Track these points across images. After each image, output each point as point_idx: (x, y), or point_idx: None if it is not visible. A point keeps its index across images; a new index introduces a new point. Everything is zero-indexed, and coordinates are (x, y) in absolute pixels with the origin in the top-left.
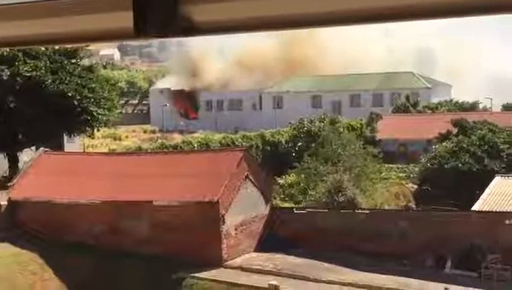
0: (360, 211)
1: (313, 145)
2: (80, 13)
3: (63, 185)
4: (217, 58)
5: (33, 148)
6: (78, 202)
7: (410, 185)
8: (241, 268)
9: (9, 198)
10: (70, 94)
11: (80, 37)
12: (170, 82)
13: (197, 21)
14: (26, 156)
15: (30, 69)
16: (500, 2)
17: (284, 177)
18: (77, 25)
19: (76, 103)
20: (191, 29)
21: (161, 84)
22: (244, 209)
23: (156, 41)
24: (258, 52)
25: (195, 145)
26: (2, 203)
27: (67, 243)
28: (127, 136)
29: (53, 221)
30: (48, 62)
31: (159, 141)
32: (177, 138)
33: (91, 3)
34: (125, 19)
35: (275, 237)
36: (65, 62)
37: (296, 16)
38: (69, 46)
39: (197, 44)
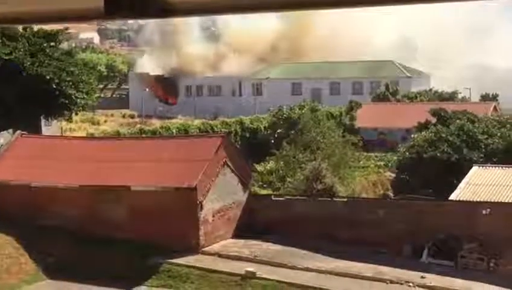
0: (338, 199)
1: (292, 132)
2: None
3: (40, 168)
4: (202, 41)
5: (10, 131)
6: (55, 185)
7: (389, 173)
8: (218, 254)
9: None
10: (48, 77)
11: (50, 16)
12: (150, 67)
13: (172, 2)
14: (2, 139)
15: (8, 52)
16: None
17: (262, 164)
18: (48, 4)
19: (54, 86)
20: (166, 10)
21: (141, 68)
22: (222, 195)
23: (135, 25)
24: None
25: (174, 130)
26: None
27: (44, 227)
28: (105, 121)
29: (30, 204)
30: (26, 44)
31: (138, 126)
32: (156, 123)
33: None
34: None
35: (252, 223)
36: (44, 45)
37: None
38: (38, 25)
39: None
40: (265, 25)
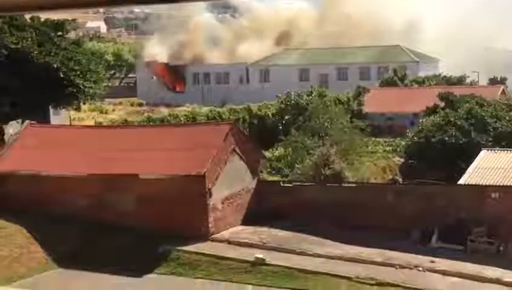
0: (346, 184)
1: (300, 118)
2: None
3: (49, 158)
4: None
5: (19, 120)
6: (64, 174)
7: (397, 158)
8: (228, 241)
9: None
10: (56, 66)
11: (52, 3)
12: (157, 55)
13: None
14: (11, 128)
15: (16, 41)
16: None
17: (271, 150)
18: None
19: (62, 75)
20: None
21: (148, 56)
22: (231, 182)
23: (142, 13)
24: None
25: (182, 118)
26: None
27: (54, 216)
28: (113, 110)
29: (39, 194)
30: (34, 34)
31: (146, 114)
32: (164, 111)
33: None
34: None
35: (261, 210)
36: (51, 34)
37: None
38: (42, 14)
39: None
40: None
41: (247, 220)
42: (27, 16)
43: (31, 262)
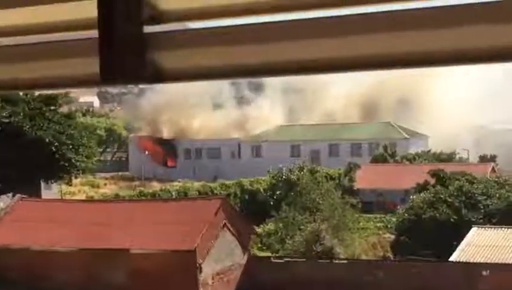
0: (338, 260)
1: (292, 194)
2: (45, 59)
3: (40, 232)
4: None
5: (10, 194)
6: (55, 249)
7: (388, 235)
8: None
9: None
10: (48, 140)
11: (45, 83)
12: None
13: (166, 68)
14: (2, 202)
15: (8, 115)
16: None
17: (262, 226)
18: (42, 70)
19: (54, 149)
20: (160, 76)
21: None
22: (222, 258)
23: (136, 88)
24: None
25: (174, 193)
26: None
27: None
28: (105, 184)
29: (31, 268)
30: (26, 108)
31: (138, 188)
32: (156, 186)
33: (56, 49)
34: (92, 65)
35: (252, 285)
36: (44, 109)
37: (268, 64)
38: (34, 92)
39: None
40: None
41: None
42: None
43: None
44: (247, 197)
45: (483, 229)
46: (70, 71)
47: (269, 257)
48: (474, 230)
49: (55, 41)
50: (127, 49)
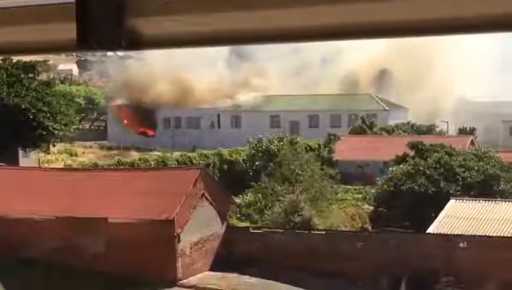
0: (316, 231)
1: (271, 164)
2: (23, 23)
3: (17, 200)
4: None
5: None
6: (32, 217)
7: (366, 206)
8: (196, 287)
9: None
10: (24, 107)
11: (20, 48)
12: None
13: (143, 34)
14: None
15: None
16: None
17: (241, 196)
18: (18, 35)
19: (31, 116)
20: (137, 42)
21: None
22: (200, 228)
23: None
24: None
25: (152, 162)
26: None
27: (20, 259)
28: (83, 152)
29: (6, 236)
30: (4, 75)
31: (116, 157)
32: (135, 156)
33: (34, 13)
34: (69, 31)
35: (230, 256)
36: (22, 76)
37: (245, 31)
38: (10, 56)
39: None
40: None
41: (215, 266)
42: None
43: None
44: (226, 167)
45: (461, 201)
46: (47, 36)
47: (248, 228)
48: (452, 202)
49: (33, 5)
50: (104, 15)
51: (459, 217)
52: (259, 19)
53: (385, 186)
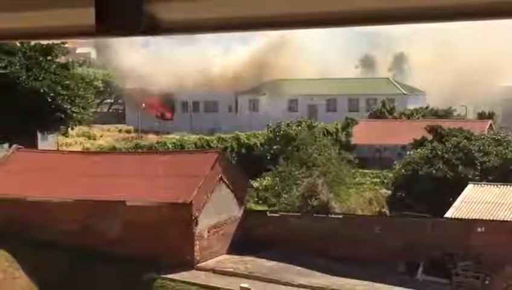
0: (333, 215)
1: (289, 148)
2: (40, 8)
3: (35, 182)
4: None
5: (6, 145)
6: (50, 200)
7: (384, 190)
8: (213, 270)
9: None
10: (43, 91)
11: (39, 33)
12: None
13: (162, 19)
14: None
15: (4, 65)
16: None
17: (258, 180)
18: (37, 20)
19: (50, 100)
20: (156, 28)
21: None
22: (218, 211)
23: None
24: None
25: (170, 146)
26: None
27: (38, 242)
28: (101, 136)
29: (25, 219)
30: (22, 58)
31: (134, 141)
32: (153, 139)
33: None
34: (87, 16)
35: (247, 239)
36: (40, 59)
37: (265, 18)
38: (28, 41)
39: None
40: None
41: (233, 249)
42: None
43: (14, 288)
44: (244, 151)
45: (479, 186)
46: (65, 21)
47: (265, 211)
48: (470, 187)
49: None
50: (122, 1)
51: (477, 201)
52: (281, 4)
53: (403, 170)
